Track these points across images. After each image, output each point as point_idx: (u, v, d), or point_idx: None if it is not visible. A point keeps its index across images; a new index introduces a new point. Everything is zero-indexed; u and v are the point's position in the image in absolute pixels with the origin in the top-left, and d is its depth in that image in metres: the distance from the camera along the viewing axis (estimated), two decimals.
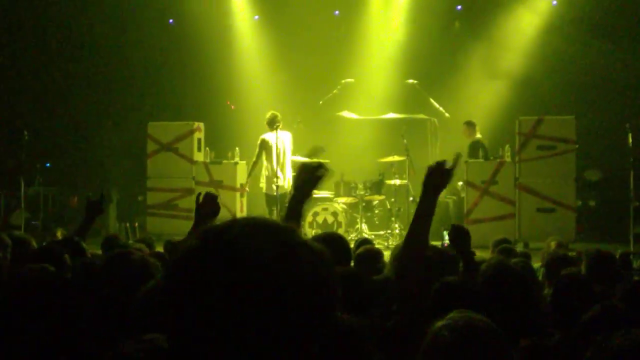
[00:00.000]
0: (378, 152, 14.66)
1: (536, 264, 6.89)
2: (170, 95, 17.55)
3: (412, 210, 13.61)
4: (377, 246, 8.08)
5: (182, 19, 17.56)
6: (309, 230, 13.50)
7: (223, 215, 4.14)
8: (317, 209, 14.03)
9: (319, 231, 12.98)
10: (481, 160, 14.07)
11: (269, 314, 1.47)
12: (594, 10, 16.49)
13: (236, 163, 14.54)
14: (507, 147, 14.22)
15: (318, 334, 1.54)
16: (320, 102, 14.79)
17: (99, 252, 7.46)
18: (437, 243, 9.37)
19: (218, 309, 1.47)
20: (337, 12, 17.68)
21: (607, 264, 5.91)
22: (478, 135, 14.51)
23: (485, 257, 6.57)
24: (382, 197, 14.21)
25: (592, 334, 3.33)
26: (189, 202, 14.29)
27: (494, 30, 16.86)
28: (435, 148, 15.32)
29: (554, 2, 16.81)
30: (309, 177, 4.03)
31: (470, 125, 14.59)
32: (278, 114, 13.22)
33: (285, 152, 13.16)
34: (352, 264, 5.87)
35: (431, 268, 4.19)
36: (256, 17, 17.75)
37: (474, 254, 5.36)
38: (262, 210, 13.49)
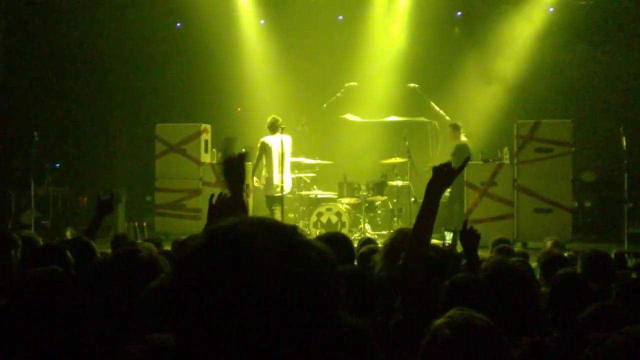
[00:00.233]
0: (380, 154, 14.67)
1: (534, 264, 6.87)
2: (178, 98, 17.56)
3: (414, 210, 13.67)
4: (379, 246, 8.07)
5: (190, 23, 17.56)
6: (313, 230, 13.51)
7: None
8: (321, 209, 14.03)
9: (323, 231, 12.98)
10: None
11: (272, 312, 1.47)
12: (589, 17, 16.54)
13: None
14: (505, 149, 14.23)
15: (321, 332, 1.54)
16: (325, 105, 14.81)
17: (109, 251, 7.46)
18: (439, 242, 9.36)
19: (222, 308, 1.47)
20: (340, 17, 17.67)
21: (603, 263, 5.90)
22: (463, 139, 14.42)
23: (484, 256, 6.57)
24: (385, 197, 14.20)
25: (589, 332, 3.33)
26: (196, 203, 14.34)
27: (493, 36, 16.86)
28: (436, 150, 15.34)
29: (550, 9, 16.81)
30: (235, 168, 4.00)
31: (455, 128, 14.50)
32: (279, 118, 13.21)
33: (284, 155, 13.17)
34: (355, 263, 5.86)
35: (433, 267, 4.19)
36: (262, 21, 17.75)
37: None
38: (267, 211, 13.48)
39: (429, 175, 4.15)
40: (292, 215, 14.30)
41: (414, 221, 4.42)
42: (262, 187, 13.41)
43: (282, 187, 12.99)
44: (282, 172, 13.07)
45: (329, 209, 14.04)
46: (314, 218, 13.96)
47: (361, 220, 13.92)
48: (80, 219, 15.59)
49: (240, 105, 17.56)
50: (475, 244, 5.43)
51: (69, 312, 2.59)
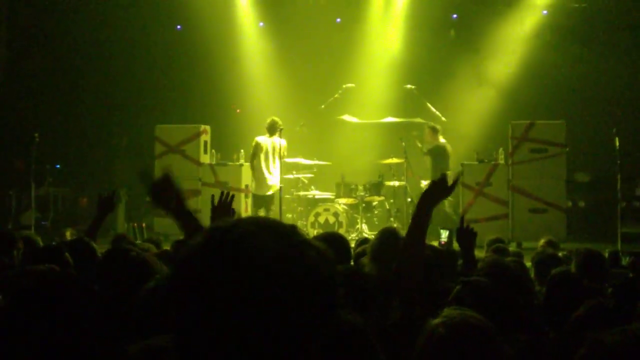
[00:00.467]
0: (377, 155, 14.68)
1: (528, 263, 6.87)
2: (178, 99, 17.56)
3: (410, 210, 13.67)
4: None
5: (190, 25, 17.56)
6: (311, 230, 13.50)
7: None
8: (319, 209, 14.03)
9: (321, 231, 12.97)
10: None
11: (272, 312, 1.45)
12: (582, 20, 16.58)
13: (241, 165, 14.52)
14: (500, 150, 14.24)
15: (320, 332, 1.52)
16: (322, 106, 14.80)
17: None
18: (435, 242, 9.34)
19: (222, 308, 1.45)
20: (338, 19, 17.68)
21: (597, 262, 5.91)
22: (442, 140, 14.38)
23: (480, 256, 6.56)
24: (382, 198, 14.20)
25: (585, 330, 3.32)
26: (196, 203, 14.30)
27: (488, 39, 16.88)
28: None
29: (545, 12, 16.83)
30: (164, 190, 3.83)
31: (433, 130, 14.45)
32: (278, 121, 13.24)
33: (274, 156, 13.19)
34: (352, 262, 5.85)
35: (429, 267, 4.18)
36: (261, 24, 17.76)
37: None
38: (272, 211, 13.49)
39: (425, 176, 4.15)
40: (290, 216, 14.31)
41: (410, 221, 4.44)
42: (253, 187, 13.49)
43: (268, 187, 13.06)
44: (270, 173, 13.11)
45: (326, 209, 14.04)
46: (311, 218, 13.98)
47: (358, 220, 13.92)
48: (80, 220, 15.54)
49: (240, 107, 17.57)
50: (472, 243, 5.44)
51: (67, 312, 2.58)
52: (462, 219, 5.75)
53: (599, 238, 13.80)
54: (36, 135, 13.50)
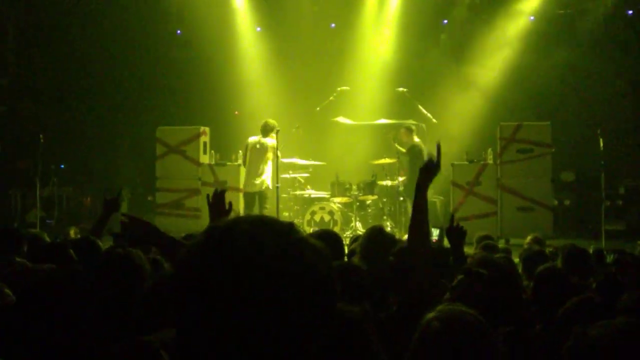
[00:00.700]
0: (371, 155, 14.67)
1: (516, 259, 6.89)
2: (178, 102, 17.55)
3: (403, 209, 13.70)
4: None
5: (189, 30, 17.56)
6: (307, 228, 13.48)
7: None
8: (315, 208, 14.03)
9: (316, 229, 12.96)
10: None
11: (271, 309, 1.44)
12: (567, 26, 16.66)
13: (239, 165, 14.51)
14: (489, 150, 14.30)
15: (319, 327, 1.51)
16: (318, 108, 14.78)
17: None
18: None
19: (222, 306, 1.43)
20: (333, 24, 17.69)
21: (582, 258, 5.93)
22: (416, 140, 14.36)
23: (469, 252, 6.58)
24: (375, 197, 14.19)
25: (571, 324, 3.34)
26: (196, 202, 14.35)
27: (477, 43, 16.90)
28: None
29: (531, 18, 16.86)
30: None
31: (408, 130, 14.44)
32: (270, 122, 13.26)
33: (261, 155, 13.23)
34: (345, 259, 5.86)
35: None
36: (258, 28, 17.74)
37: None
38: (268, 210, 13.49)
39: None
40: (286, 214, 14.31)
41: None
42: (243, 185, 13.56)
43: (253, 185, 13.12)
44: (256, 171, 13.15)
45: (322, 208, 14.04)
46: (307, 216, 13.97)
47: (353, 218, 13.92)
48: (83, 218, 15.55)
49: (238, 109, 17.56)
50: (461, 240, 5.46)
51: (68, 310, 2.59)
52: (452, 218, 5.77)
53: (584, 235, 13.84)
54: (41, 136, 13.49)
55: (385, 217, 14.08)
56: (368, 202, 14.32)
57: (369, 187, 14.04)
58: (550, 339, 3.59)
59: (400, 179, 13.90)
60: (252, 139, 13.46)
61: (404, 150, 13.99)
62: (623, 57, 16.51)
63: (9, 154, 16.23)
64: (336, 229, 12.78)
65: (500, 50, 16.84)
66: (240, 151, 14.50)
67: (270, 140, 13.21)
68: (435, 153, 4.04)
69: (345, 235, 12.51)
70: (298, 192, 14.44)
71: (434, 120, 14.71)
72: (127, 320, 3.31)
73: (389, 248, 4.78)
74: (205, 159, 15.09)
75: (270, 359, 1.45)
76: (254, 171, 13.29)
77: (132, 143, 17.86)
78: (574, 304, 3.83)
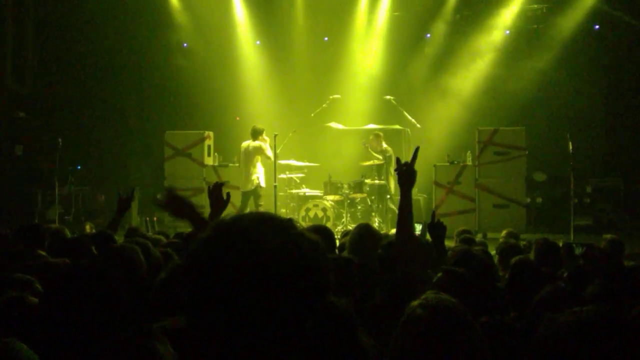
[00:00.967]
0: (360, 157, 14.67)
1: (493, 252, 6.89)
2: (184, 108, 17.52)
3: (390, 206, 13.71)
4: None
5: (195, 43, 17.55)
6: (302, 223, 13.47)
7: (229, 212, 4.09)
8: (309, 205, 14.04)
9: (311, 224, 12.97)
10: (379, 161, 14.06)
11: (273, 294, 1.46)
12: (540, 39, 16.69)
13: (239, 166, 14.51)
14: (468, 153, 14.31)
15: (314, 312, 1.53)
16: (312, 115, 14.79)
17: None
18: None
19: (229, 292, 1.46)
20: (326, 38, 17.67)
21: (553, 251, 5.93)
22: (384, 145, 14.38)
23: (450, 245, 6.59)
24: (364, 195, 14.19)
25: (543, 311, 3.34)
26: (201, 200, 14.29)
27: (457, 55, 16.90)
28: (409, 154, 15.30)
29: (507, 32, 16.89)
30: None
31: (377, 136, 14.44)
32: (257, 127, 13.36)
33: (251, 158, 13.24)
34: (336, 251, 5.87)
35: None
36: (258, 42, 17.72)
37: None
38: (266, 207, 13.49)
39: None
40: (284, 210, 14.31)
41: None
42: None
43: (245, 184, 13.15)
44: (247, 171, 13.18)
45: (315, 205, 14.05)
46: (302, 213, 13.98)
47: (344, 214, 13.92)
48: (98, 215, 15.52)
49: (239, 115, 17.53)
50: (441, 234, 5.46)
51: (93, 301, 2.58)
52: (433, 214, 5.78)
53: (555, 230, 13.87)
54: (60, 140, 13.46)
55: (373, 214, 14.08)
56: (357, 199, 14.34)
57: (359, 186, 14.04)
58: (524, 325, 3.59)
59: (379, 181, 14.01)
60: (244, 144, 13.49)
61: (379, 156, 14.04)
62: (591, 68, 16.55)
63: (30, 156, 16.18)
64: (329, 224, 12.83)
65: (477, 62, 16.87)
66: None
67: (258, 143, 13.23)
68: (410, 158, 4.02)
69: (336, 230, 12.52)
70: (294, 191, 14.44)
71: (418, 126, 14.73)
72: (143, 306, 3.30)
73: (376, 243, 4.78)
74: (209, 160, 15.07)
75: (271, 340, 1.48)
76: (246, 173, 13.32)
77: (143, 146, 17.81)
78: (546, 293, 3.83)
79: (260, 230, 1.52)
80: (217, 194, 4.17)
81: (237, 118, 17.48)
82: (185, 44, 17.92)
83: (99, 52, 17.46)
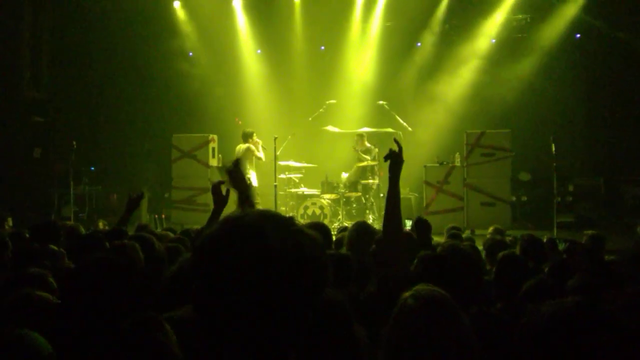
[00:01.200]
0: (355, 158, 14.66)
1: (480, 247, 6.89)
2: (190, 113, 17.51)
3: (383, 204, 13.67)
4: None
5: (200, 51, 17.57)
6: (300, 221, 13.47)
7: (232, 210, 4.10)
8: (307, 203, 14.05)
9: (309, 221, 12.97)
10: (373, 162, 14.11)
11: (276, 286, 1.47)
12: (524, 46, 16.73)
13: None
14: (457, 154, 14.31)
15: (314, 302, 1.54)
16: (310, 119, 14.77)
17: None
18: None
19: (235, 283, 1.47)
20: (322, 47, 17.69)
21: (537, 246, 5.93)
22: (367, 144, 14.43)
23: (439, 241, 6.59)
24: (359, 194, 14.20)
25: (528, 303, 3.34)
26: (205, 198, 14.33)
27: (445, 62, 16.92)
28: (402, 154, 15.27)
29: (493, 40, 16.90)
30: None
31: (361, 136, 14.51)
32: (247, 131, 13.54)
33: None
34: (332, 247, 5.87)
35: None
36: (259, 51, 17.73)
37: (431, 239, 5.45)
38: (267, 205, 13.48)
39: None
40: (283, 209, 14.30)
41: (383, 213, 4.46)
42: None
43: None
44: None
45: (313, 203, 14.05)
46: (301, 211, 13.98)
47: (340, 212, 13.93)
48: (110, 213, 15.49)
49: (241, 119, 17.53)
50: (428, 232, 5.49)
51: (108, 294, 2.59)
52: (418, 217, 5.81)
53: (539, 226, 13.87)
54: (74, 143, 13.46)
55: (367, 211, 14.09)
56: (352, 198, 14.34)
57: (354, 185, 14.06)
58: (510, 315, 3.59)
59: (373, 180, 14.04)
60: (237, 147, 13.55)
61: (368, 157, 14.08)
62: (572, 74, 16.58)
63: (47, 158, 16.18)
64: (325, 222, 12.80)
65: (465, 69, 16.89)
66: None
67: (247, 145, 13.32)
68: (395, 147, 4.06)
69: (333, 226, 12.51)
70: (293, 190, 14.44)
71: (410, 129, 14.72)
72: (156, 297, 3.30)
73: (372, 239, 4.78)
74: (213, 162, 15.06)
75: (273, 331, 1.49)
76: None
77: (152, 148, 17.81)
78: (530, 286, 3.84)
79: (264, 226, 1.53)
80: (218, 192, 4.33)
81: (237, 119, 17.48)
82: (190, 53, 17.91)
83: (110, 60, 17.49)
